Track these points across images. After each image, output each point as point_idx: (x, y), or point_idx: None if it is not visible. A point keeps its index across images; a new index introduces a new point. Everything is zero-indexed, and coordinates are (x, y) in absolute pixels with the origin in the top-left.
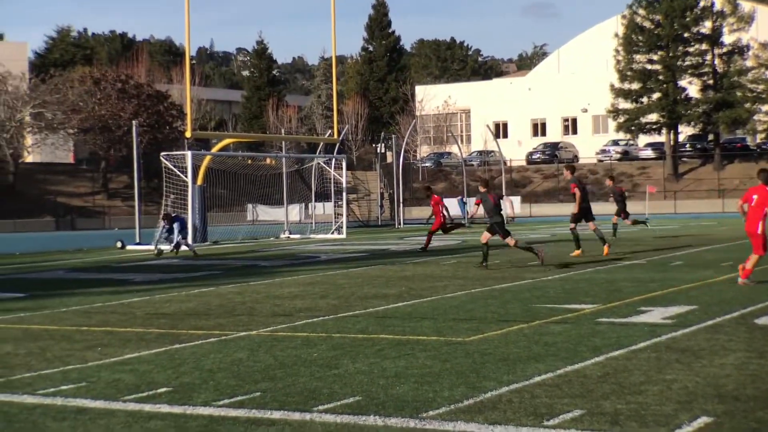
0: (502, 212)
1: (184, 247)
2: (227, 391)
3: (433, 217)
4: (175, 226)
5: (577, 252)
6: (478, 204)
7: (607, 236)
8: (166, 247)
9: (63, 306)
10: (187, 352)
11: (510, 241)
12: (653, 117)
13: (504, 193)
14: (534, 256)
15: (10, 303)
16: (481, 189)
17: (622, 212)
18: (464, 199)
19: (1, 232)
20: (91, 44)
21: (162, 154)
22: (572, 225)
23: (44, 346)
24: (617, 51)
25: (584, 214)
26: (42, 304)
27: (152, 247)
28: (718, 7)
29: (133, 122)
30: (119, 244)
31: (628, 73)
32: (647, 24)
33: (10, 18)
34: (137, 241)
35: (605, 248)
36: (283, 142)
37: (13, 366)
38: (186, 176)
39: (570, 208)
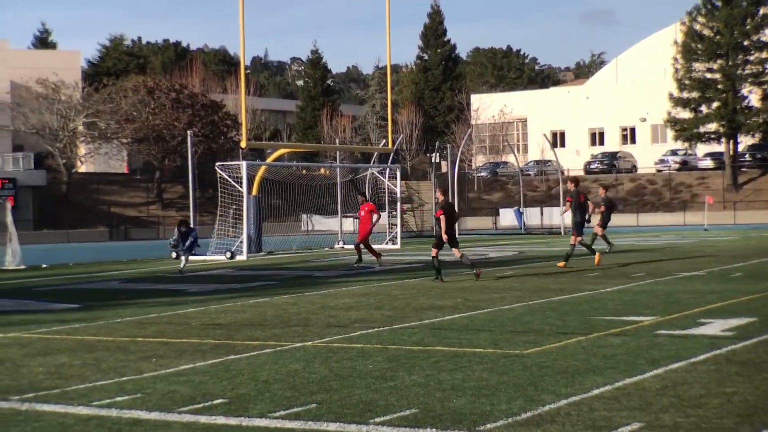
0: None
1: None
2: (283, 402)
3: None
4: (191, 236)
5: (597, 257)
6: (439, 216)
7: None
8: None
9: (118, 317)
10: (243, 363)
11: (434, 252)
12: (712, 126)
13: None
14: (436, 274)
15: (64, 314)
16: (440, 197)
17: (605, 224)
18: (521, 210)
19: (54, 243)
20: (144, 53)
21: (217, 164)
22: (579, 238)
23: (99, 357)
24: (676, 59)
25: (581, 226)
26: (96, 315)
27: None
28: None
29: (188, 132)
30: (174, 255)
31: (687, 81)
32: (707, 32)
33: (63, 27)
34: (192, 251)
35: (562, 263)
36: (338, 152)
37: (68, 377)
38: (241, 186)
39: (626, 219)
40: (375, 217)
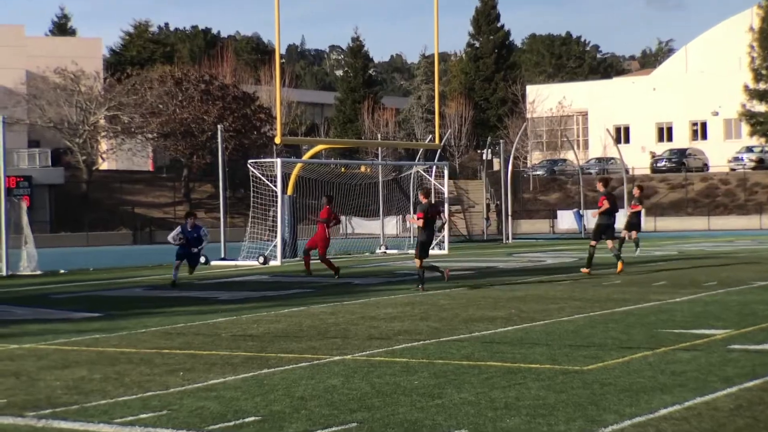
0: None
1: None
2: (321, 420)
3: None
4: (202, 234)
5: (586, 270)
6: (421, 217)
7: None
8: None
9: (142, 326)
10: (277, 377)
11: (417, 262)
12: None
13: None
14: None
15: (84, 323)
16: (423, 199)
17: (631, 226)
18: (581, 212)
19: (73, 246)
20: (171, 41)
21: (249, 161)
22: (593, 242)
23: (122, 371)
24: (752, 47)
25: (605, 230)
26: (119, 325)
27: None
28: None
29: (218, 127)
30: (203, 260)
31: (764, 71)
32: None
33: (83, 12)
34: (222, 255)
35: (619, 264)
36: (380, 149)
37: (88, 392)
38: (275, 186)
39: (696, 222)
40: (333, 221)
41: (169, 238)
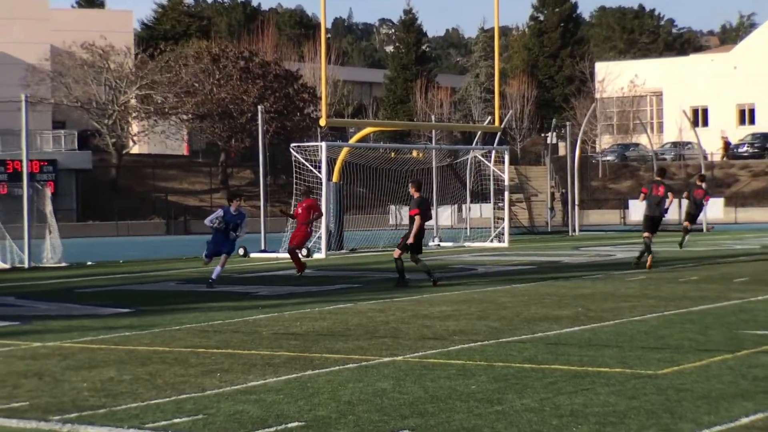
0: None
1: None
2: (369, 427)
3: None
4: (242, 225)
5: (648, 265)
6: (417, 213)
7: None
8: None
9: (176, 324)
10: (322, 379)
11: (397, 252)
12: None
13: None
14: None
15: (113, 319)
16: (414, 193)
17: (693, 218)
18: None
19: (101, 236)
20: (208, 14)
21: (292, 145)
22: (646, 234)
23: (154, 371)
24: None
25: (651, 220)
26: (151, 322)
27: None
28: None
29: (259, 107)
30: (241, 251)
31: None
32: None
33: None
34: (263, 248)
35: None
36: (433, 131)
37: (117, 394)
38: (319, 172)
39: None
40: (315, 214)
41: (207, 221)
